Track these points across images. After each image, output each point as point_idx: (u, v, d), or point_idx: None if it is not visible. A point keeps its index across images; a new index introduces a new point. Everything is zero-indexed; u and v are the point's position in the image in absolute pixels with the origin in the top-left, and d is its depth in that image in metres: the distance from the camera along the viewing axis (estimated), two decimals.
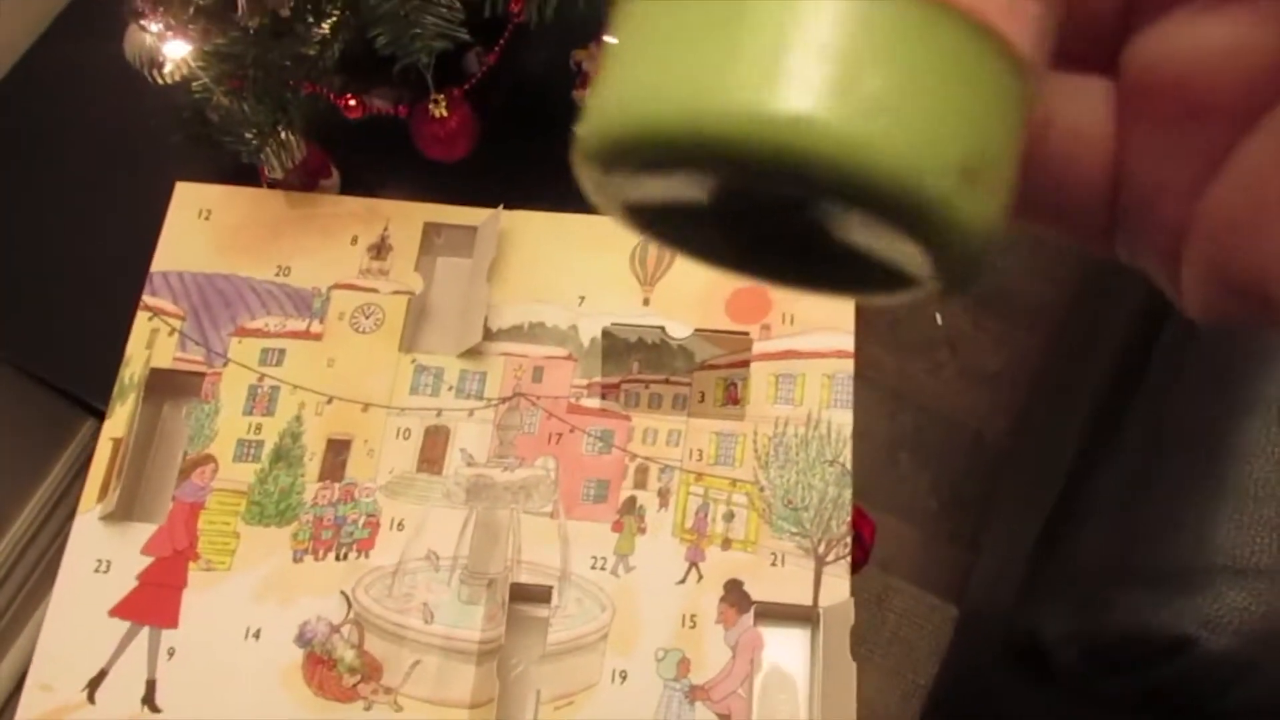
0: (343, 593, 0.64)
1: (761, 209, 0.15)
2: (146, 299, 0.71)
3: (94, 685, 0.62)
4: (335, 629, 0.63)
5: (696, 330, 0.70)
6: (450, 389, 0.69)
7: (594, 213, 0.76)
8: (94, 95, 0.82)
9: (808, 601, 0.63)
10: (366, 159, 0.77)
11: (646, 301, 0.71)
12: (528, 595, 0.64)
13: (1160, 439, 0.69)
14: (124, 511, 0.66)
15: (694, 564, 0.64)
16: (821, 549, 0.64)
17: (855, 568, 0.67)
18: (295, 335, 0.71)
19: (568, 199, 0.74)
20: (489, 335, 0.70)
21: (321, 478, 0.67)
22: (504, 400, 0.69)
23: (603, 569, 0.64)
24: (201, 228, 0.74)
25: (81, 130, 0.82)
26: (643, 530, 0.65)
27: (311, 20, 0.65)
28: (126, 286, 0.72)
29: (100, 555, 0.64)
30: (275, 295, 0.72)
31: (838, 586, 0.63)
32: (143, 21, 0.68)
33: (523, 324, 0.71)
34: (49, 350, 0.76)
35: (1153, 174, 0.16)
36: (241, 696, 0.61)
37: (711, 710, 0.61)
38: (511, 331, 0.71)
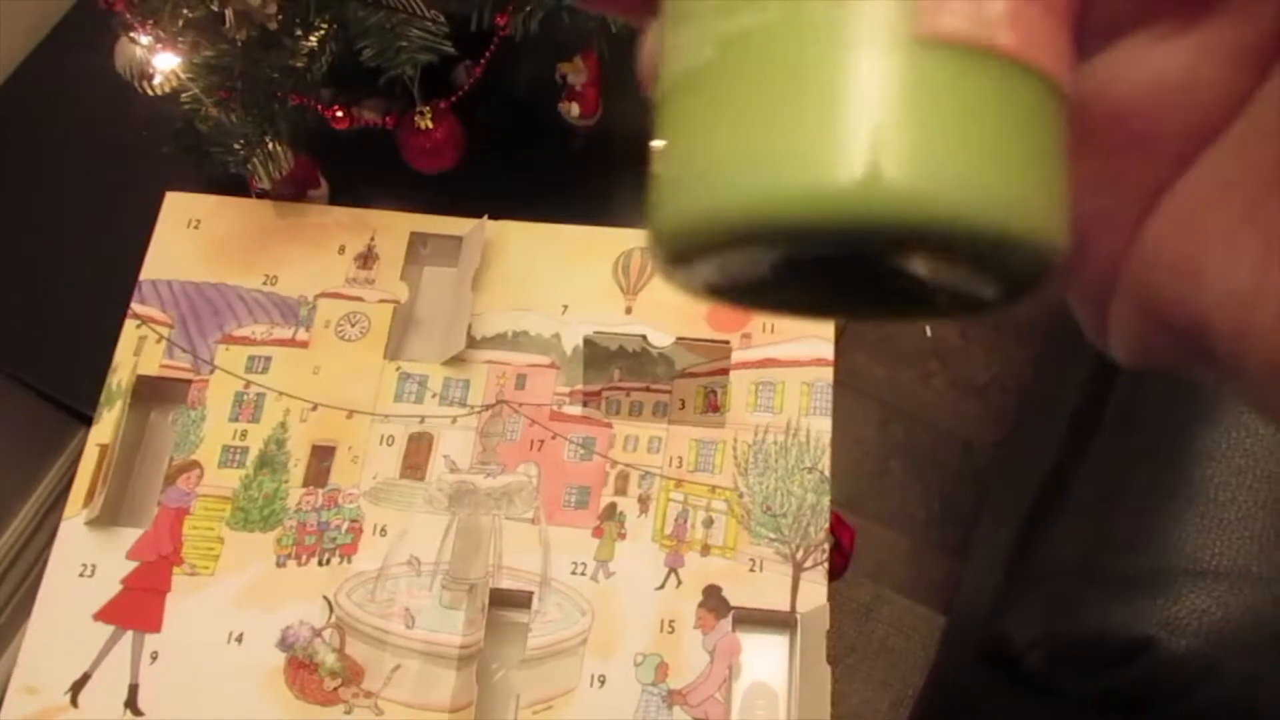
0: (325, 597, 0.64)
1: (837, 265, 0.15)
2: (135, 307, 0.72)
3: (77, 688, 0.62)
4: (317, 633, 0.63)
5: (678, 339, 0.71)
6: (434, 396, 0.70)
7: (578, 223, 0.77)
8: (86, 106, 0.84)
9: (786, 607, 0.64)
10: (354, 170, 0.78)
11: (629, 310, 0.72)
12: (508, 600, 0.65)
13: (1128, 447, 0.70)
14: (110, 516, 0.66)
15: (673, 570, 0.65)
16: (800, 555, 0.65)
17: (835, 574, 0.67)
18: (282, 343, 0.71)
19: (551, 209, 0.75)
20: (473, 343, 0.71)
21: (306, 484, 0.67)
22: (487, 407, 0.70)
23: (583, 574, 0.65)
24: (191, 237, 0.75)
25: (73, 141, 0.83)
26: (623, 536, 0.66)
27: (299, 33, 0.67)
28: (117, 295, 0.73)
29: (85, 560, 0.65)
30: (262, 304, 0.73)
31: (815, 592, 0.64)
32: (133, 34, 0.69)
33: (506, 332, 0.72)
34: (40, 358, 0.77)
35: (1089, 203, 0.16)
36: (223, 700, 0.62)
37: (689, 714, 0.61)
38: (495, 340, 0.72)
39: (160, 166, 0.73)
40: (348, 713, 0.61)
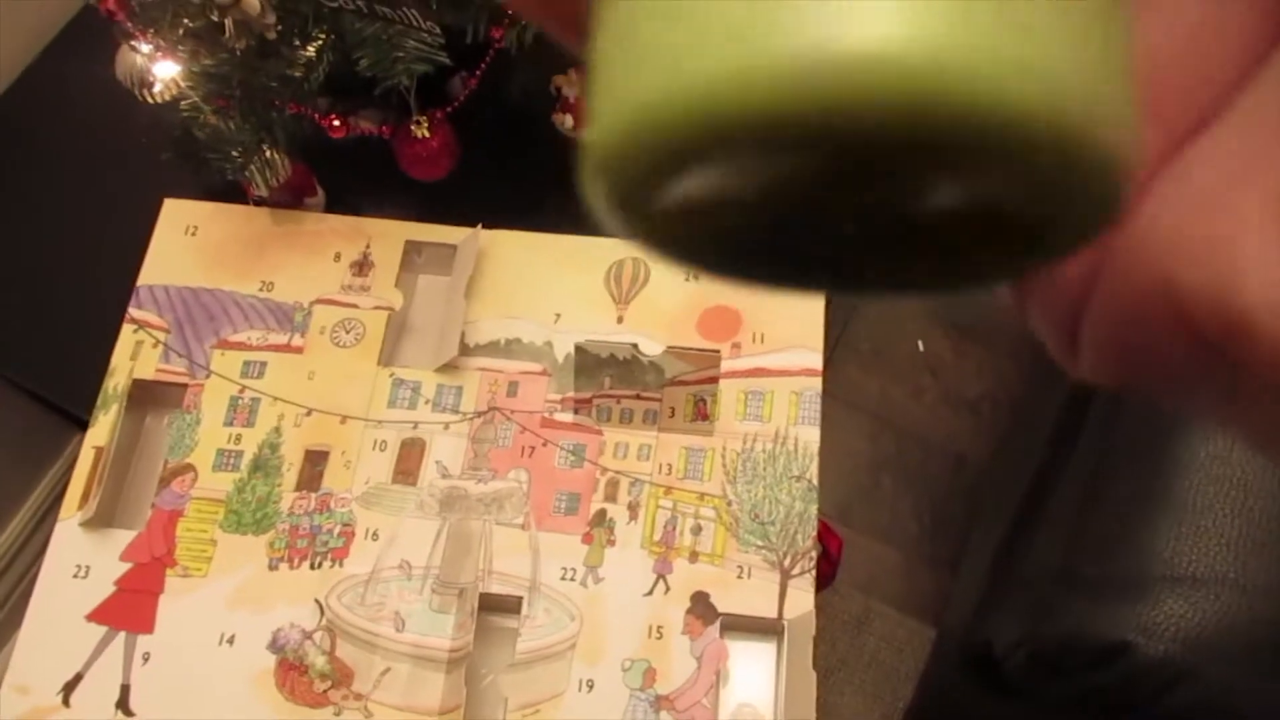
0: (316, 600, 0.65)
1: (827, 199, 0.11)
2: (132, 311, 0.73)
3: (69, 689, 0.63)
4: (308, 635, 0.64)
5: (668, 347, 0.72)
6: (427, 402, 0.71)
7: (570, 233, 0.77)
8: (86, 113, 0.85)
9: (773, 614, 0.64)
10: (350, 178, 0.79)
11: (620, 319, 0.73)
12: (498, 605, 0.65)
13: (1108, 456, 0.71)
14: (104, 518, 0.67)
15: (662, 576, 0.66)
16: (787, 563, 0.66)
17: (823, 583, 0.68)
18: (277, 349, 0.72)
19: (544, 219, 0.76)
20: (466, 350, 0.72)
21: (299, 488, 0.68)
22: (479, 414, 0.70)
23: (572, 580, 0.65)
24: (188, 243, 0.76)
25: (74, 147, 0.84)
26: (612, 542, 0.66)
27: (297, 43, 0.68)
28: (115, 300, 0.74)
29: (79, 561, 0.66)
30: (258, 309, 0.74)
31: (802, 599, 0.65)
32: (134, 42, 0.70)
33: (499, 340, 0.73)
34: (38, 362, 0.77)
35: None
36: (214, 701, 0.62)
37: None
38: (488, 347, 0.72)
39: (159, 173, 0.74)
40: (337, 715, 0.62)
